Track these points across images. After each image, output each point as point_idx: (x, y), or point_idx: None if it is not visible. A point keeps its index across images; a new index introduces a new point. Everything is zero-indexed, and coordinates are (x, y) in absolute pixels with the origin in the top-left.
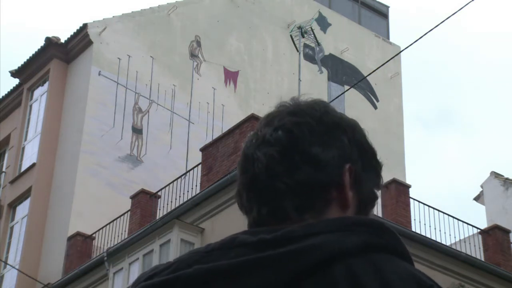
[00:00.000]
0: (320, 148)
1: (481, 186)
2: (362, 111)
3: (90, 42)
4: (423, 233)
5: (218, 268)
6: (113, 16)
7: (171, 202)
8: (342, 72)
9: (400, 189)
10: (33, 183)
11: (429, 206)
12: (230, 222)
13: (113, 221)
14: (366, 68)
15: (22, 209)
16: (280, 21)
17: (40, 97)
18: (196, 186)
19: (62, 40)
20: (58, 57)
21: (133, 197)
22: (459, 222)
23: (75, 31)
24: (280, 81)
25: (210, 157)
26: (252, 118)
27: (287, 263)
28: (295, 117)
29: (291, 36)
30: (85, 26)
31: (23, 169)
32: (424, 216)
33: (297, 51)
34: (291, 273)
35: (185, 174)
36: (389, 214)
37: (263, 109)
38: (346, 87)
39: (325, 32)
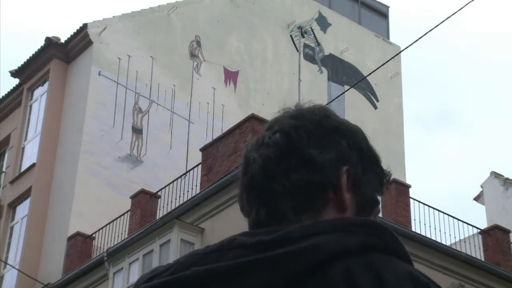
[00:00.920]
0: (317, 151)
1: (481, 186)
2: (362, 111)
3: (90, 42)
4: (423, 233)
5: (216, 270)
6: (113, 16)
7: (171, 202)
8: (342, 72)
9: (400, 189)
10: (33, 183)
11: (429, 206)
12: (230, 222)
13: (113, 221)
14: (366, 68)
15: (22, 209)
16: (280, 21)
17: (40, 97)
18: (196, 186)
19: (62, 40)
20: (58, 57)
21: (133, 197)
22: (459, 222)
23: (75, 31)
24: (280, 81)
25: (210, 157)
26: (252, 118)
27: (287, 263)
28: (295, 121)
29: (291, 36)
30: (85, 26)
31: (23, 169)
32: (424, 216)
33: (297, 51)
34: (291, 274)
35: (185, 174)
36: (389, 214)
37: (263, 109)
38: (346, 87)
39: (325, 32)
